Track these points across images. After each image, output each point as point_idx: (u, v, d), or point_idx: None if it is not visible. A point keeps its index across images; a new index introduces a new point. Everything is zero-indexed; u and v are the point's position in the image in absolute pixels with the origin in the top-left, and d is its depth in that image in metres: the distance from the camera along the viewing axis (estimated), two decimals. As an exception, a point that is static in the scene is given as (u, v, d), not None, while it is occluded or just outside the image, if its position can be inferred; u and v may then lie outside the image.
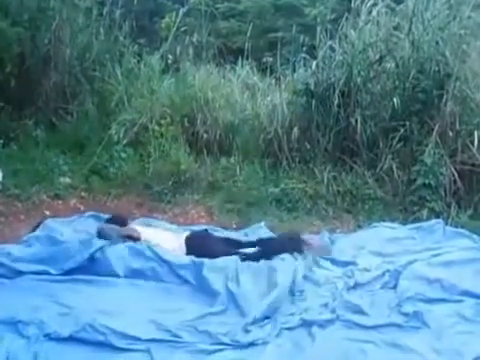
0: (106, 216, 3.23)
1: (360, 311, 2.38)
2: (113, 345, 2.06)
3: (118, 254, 2.60)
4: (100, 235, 2.79)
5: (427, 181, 3.75)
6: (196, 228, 3.24)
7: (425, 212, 3.68)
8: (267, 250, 2.79)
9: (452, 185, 3.83)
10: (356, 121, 4.20)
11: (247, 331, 2.19)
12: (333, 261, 2.85)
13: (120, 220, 3.02)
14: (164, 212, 3.79)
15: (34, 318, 2.14)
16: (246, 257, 2.72)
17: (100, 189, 4.02)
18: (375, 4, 4.48)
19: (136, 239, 2.80)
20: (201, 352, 2.08)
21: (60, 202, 3.82)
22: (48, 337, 2.07)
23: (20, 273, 2.52)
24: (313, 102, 4.34)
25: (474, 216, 3.73)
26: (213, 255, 2.66)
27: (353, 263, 2.82)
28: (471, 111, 4.05)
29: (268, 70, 5.13)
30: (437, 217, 3.54)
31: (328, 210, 3.92)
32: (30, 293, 2.38)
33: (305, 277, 2.60)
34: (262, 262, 2.67)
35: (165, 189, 4.04)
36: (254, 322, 2.24)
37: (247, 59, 5.34)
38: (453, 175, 3.83)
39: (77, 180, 4.08)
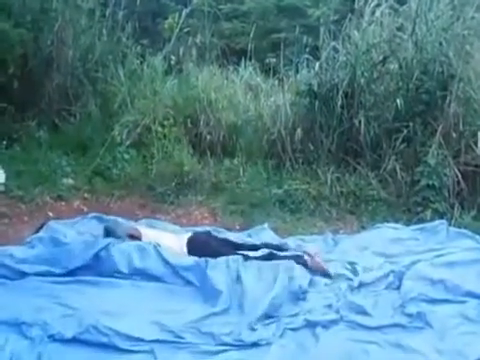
0: (108, 218, 3.23)
1: (364, 312, 2.38)
2: (117, 346, 2.06)
3: (123, 252, 2.60)
4: (107, 232, 2.80)
5: (431, 182, 3.74)
6: (199, 229, 3.24)
7: (429, 213, 3.68)
8: (273, 254, 2.76)
9: (456, 186, 3.82)
10: (359, 122, 4.20)
11: (251, 330, 2.19)
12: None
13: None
14: (167, 213, 3.79)
15: (38, 319, 2.14)
16: (249, 257, 2.71)
17: (103, 190, 4.02)
18: (378, 5, 4.48)
19: (137, 238, 2.80)
20: (205, 353, 2.08)
21: (63, 203, 3.83)
22: (52, 338, 2.07)
23: (24, 274, 2.52)
24: (316, 103, 4.34)
25: (477, 217, 3.73)
26: (215, 257, 2.65)
27: (357, 264, 2.81)
28: (475, 112, 4.04)
29: (271, 71, 5.14)
30: (441, 218, 3.53)
31: (331, 211, 3.91)
32: (34, 294, 2.38)
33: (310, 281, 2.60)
34: (265, 262, 2.66)
35: (168, 190, 4.04)
36: (257, 320, 2.24)
37: (250, 60, 5.34)
38: (457, 176, 3.82)
39: (80, 181, 4.09)
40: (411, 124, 4.05)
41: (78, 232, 2.95)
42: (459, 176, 3.82)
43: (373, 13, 4.48)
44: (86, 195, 3.96)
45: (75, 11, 4.98)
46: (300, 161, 4.30)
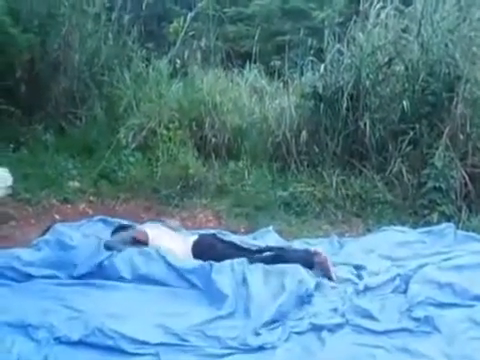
0: (114, 221, 3.24)
1: (370, 316, 2.35)
2: (122, 349, 2.06)
3: (126, 259, 2.61)
4: (108, 248, 2.78)
5: (437, 184, 3.71)
6: (204, 232, 3.24)
7: (435, 216, 3.64)
8: (279, 256, 2.75)
9: (463, 188, 3.79)
10: (365, 124, 4.18)
11: (256, 334, 2.18)
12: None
13: (127, 229, 3.01)
14: (172, 216, 3.79)
15: (44, 322, 2.15)
16: (255, 259, 2.69)
17: (109, 193, 4.04)
18: (383, 7, 4.47)
19: (144, 243, 2.80)
20: (210, 356, 2.08)
21: (69, 206, 3.85)
22: (58, 341, 2.08)
23: (30, 277, 2.54)
24: (321, 105, 4.33)
25: (485, 219, 3.70)
26: (221, 260, 2.65)
27: (363, 267, 2.80)
28: (481, 113, 4.02)
29: (276, 74, 5.14)
30: (448, 221, 3.50)
31: (337, 214, 3.90)
32: (40, 297, 2.39)
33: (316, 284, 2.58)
34: (271, 265, 2.65)
35: (173, 193, 4.04)
36: (263, 325, 2.23)
37: (255, 63, 5.36)
38: (464, 178, 3.79)
39: (86, 184, 4.11)
40: (417, 126, 4.03)
41: (84, 235, 2.96)
42: (466, 178, 3.79)
43: (378, 15, 4.47)
44: (92, 198, 3.98)
45: (81, 16, 5.02)
46: (305, 163, 4.29)
